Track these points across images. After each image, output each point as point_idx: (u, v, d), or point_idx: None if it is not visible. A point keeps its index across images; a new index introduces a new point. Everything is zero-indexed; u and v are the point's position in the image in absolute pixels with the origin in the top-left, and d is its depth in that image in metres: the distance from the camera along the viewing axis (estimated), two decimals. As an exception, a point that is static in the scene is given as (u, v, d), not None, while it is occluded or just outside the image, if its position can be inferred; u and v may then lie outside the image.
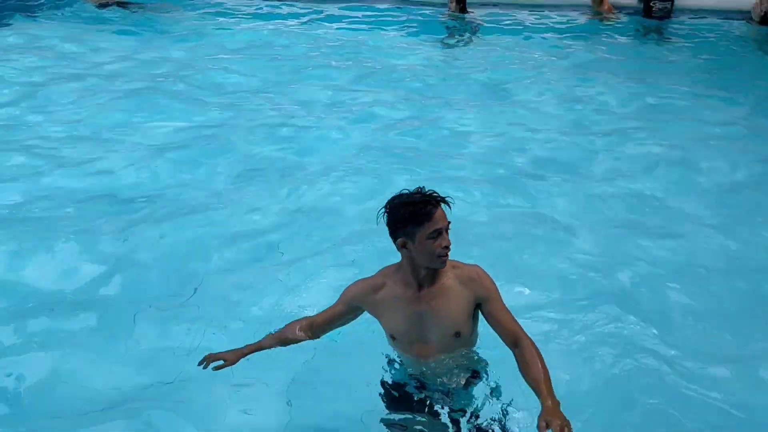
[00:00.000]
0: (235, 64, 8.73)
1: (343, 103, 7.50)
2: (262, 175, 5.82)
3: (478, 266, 2.91)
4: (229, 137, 6.48)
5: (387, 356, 3.14)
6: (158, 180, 5.73)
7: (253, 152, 6.24)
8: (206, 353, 3.00)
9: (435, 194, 2.71)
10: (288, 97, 7.61)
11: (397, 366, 3.11)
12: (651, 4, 10.58)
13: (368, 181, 5.56)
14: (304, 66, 8.71)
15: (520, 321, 2.85)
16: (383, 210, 2.78)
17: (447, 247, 2.72)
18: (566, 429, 2.37)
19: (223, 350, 3.01)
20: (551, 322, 3.83)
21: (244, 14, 11.20)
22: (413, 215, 2.67)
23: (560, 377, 2.91)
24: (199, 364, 2.95)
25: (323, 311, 3.09)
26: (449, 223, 2.73)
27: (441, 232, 2.69)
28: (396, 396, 3.03)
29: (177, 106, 7.25)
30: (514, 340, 2.78)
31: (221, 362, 2.94)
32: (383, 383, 3.10)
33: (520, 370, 2.70)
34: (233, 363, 2.95)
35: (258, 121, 6.90)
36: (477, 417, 2.93)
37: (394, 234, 2.76)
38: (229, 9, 11.44)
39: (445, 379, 2.95)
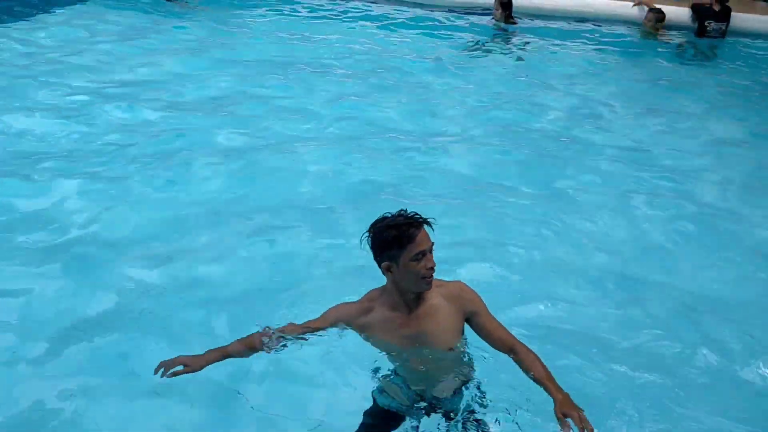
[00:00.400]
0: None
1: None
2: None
3: (460, 282, 2.94)
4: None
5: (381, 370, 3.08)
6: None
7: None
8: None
9: (417, 216, 2.69)
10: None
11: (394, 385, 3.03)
12: (705, 24, 10.31)
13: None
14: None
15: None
16: (367, 234, 2.75)
17: (432, 269, 2.71)
18: (583, 416, 2.51)
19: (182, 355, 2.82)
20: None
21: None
22: (397, 238, 2.65)
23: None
24: (155, 373, 2.75)
25: (297, 324, 2.94)
26: (433, 244, 2.71)
27: (425, 253, 2.68)
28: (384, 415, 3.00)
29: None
30: (509, 347, 2.85)
31: (180, 368, 2.76)
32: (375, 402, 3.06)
33: (524, 370, 2.78)
34: (195, 370, 2.78)
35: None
36: (472, 413, 2.95)
37: (378, 258, 2.75)
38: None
39: (438, 391, 2.94)
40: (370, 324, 2.86)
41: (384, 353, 2.96)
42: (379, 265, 2.76)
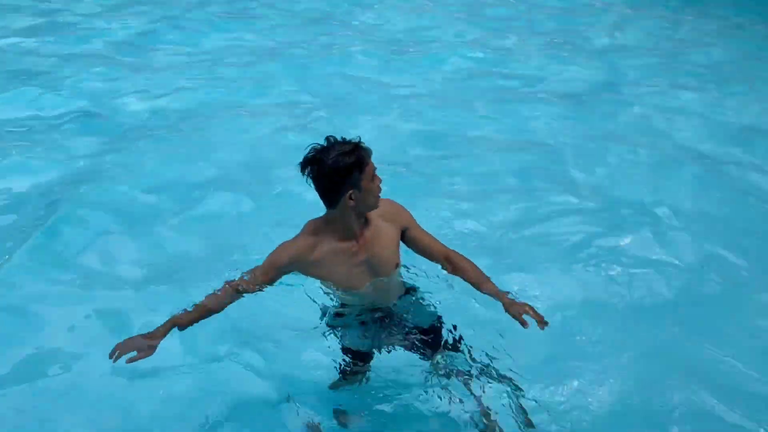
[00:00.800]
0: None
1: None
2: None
3: (389, 199, 2.94)
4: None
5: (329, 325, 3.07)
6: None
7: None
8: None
9: (355, 138, 2.69)
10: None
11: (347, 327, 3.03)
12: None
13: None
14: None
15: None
16: (310, 170, 2.65)
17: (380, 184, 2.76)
18: (534, 309, 2.68)
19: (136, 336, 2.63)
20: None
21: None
22: (356, 163, 2.63)
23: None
24: (110, 357, 2.55)
25: (248, 278, 2.80)
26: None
27: (375, 168, 2.72)
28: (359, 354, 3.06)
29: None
30: (444, 255, 2.94)
31: (134, 354, 2.56)
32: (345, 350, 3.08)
33: (462, 277, 2.89)
34: (150, 353, 2.59)
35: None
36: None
37: (338, 187, 2.67)
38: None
39: (387, 301, 3.01)
40: (320, 260, 2.80)
41: (331, 288, 2.91)
42: (337, 197, 2.69)
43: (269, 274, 2.80)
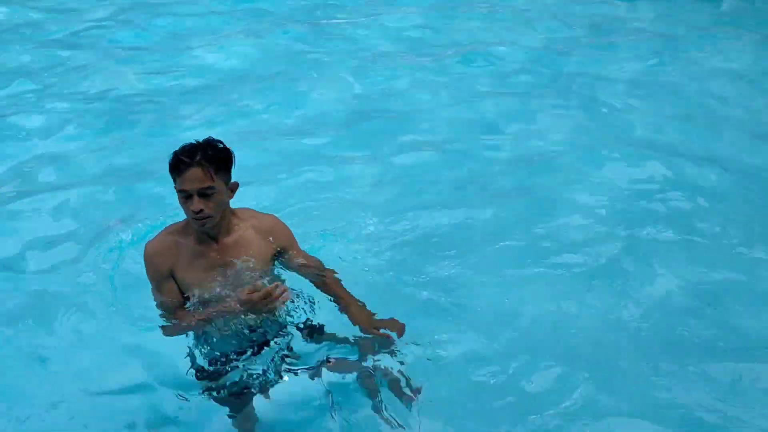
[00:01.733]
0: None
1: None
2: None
3: (274, 216, 2.89)
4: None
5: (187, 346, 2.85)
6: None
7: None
8: None
9: (199, 153, 2.48)
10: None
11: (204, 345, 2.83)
12: None
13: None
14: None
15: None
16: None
17: (197, 212, 2.51)
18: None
19: None
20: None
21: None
22: (171, 166, 2.51)
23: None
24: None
25: (165, 301, 2.71)
26: (208, 187, 2.49)
27: (188, 194, 2.50)
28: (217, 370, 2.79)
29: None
30: (319, 274, 2.89)
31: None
32: (200, 370, 2.81)
33: (327, 293, 2.86)
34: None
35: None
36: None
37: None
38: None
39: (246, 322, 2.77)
40: (181, 262, 2.67)
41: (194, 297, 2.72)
42: None
43: (162, 288, 2.69)
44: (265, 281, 2.63)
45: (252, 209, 2.89)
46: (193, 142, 2.55)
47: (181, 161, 2.48)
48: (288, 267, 2.89)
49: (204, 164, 2.49)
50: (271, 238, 2.80)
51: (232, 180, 2.65)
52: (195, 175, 2.48)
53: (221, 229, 2.68)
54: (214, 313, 2.63)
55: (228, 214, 2.70)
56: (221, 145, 2.57)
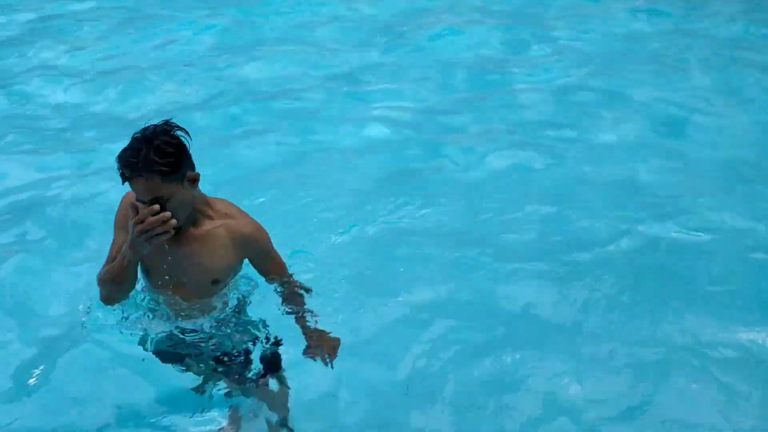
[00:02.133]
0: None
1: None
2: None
3: (255, 222, 2.63)
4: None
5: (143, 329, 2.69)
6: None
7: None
8: None
9: (140, 162, 2.18)
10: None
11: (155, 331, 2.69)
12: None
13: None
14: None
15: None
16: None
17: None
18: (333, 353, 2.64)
19: None
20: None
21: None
22: (118, 170, 2.24)
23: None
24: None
25: (112, 250, 2.50)
26: (158, 197, 2.23)
27: (146, 202, 2.25)
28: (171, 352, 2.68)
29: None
30: (281, 281, 2.77)
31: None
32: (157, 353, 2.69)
33: (284, 302, 2.75)
34: None
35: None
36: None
37: None
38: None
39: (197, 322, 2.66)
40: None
41: (144, 274, 2.59)
42: None
43: (117, 236, 2.48)
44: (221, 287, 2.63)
45: (233, 204, 2.62)
46: (138, 138, 2.24)
47: (122, 174, 2.23)
48: (258, 270, 2.75)
49: (146, 175, 2.21)
50: (243, 249, 2.58)
51: (191, 171, 2.36)
52: (140, 187, 2.23)
53: (187, 220, 2.42)
54: (125, 248, 2.32)
55: (201, 203, 2.47)
56: (167, 140, 2.24)
